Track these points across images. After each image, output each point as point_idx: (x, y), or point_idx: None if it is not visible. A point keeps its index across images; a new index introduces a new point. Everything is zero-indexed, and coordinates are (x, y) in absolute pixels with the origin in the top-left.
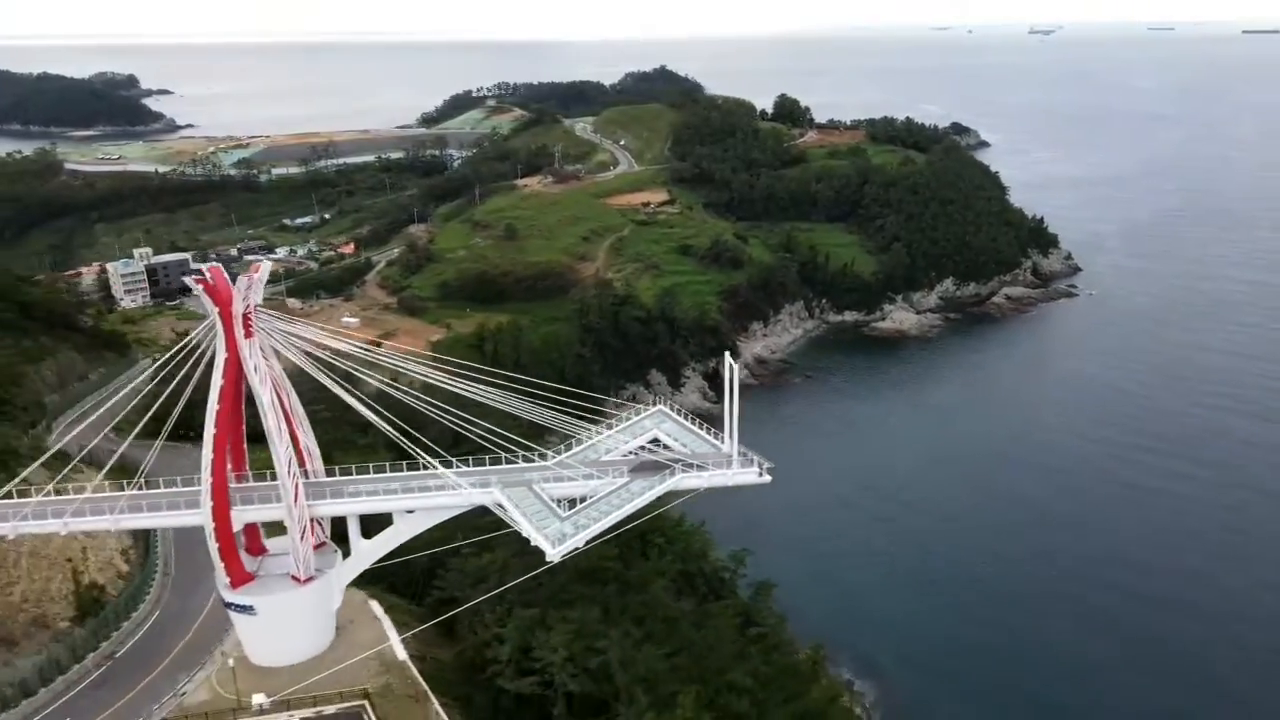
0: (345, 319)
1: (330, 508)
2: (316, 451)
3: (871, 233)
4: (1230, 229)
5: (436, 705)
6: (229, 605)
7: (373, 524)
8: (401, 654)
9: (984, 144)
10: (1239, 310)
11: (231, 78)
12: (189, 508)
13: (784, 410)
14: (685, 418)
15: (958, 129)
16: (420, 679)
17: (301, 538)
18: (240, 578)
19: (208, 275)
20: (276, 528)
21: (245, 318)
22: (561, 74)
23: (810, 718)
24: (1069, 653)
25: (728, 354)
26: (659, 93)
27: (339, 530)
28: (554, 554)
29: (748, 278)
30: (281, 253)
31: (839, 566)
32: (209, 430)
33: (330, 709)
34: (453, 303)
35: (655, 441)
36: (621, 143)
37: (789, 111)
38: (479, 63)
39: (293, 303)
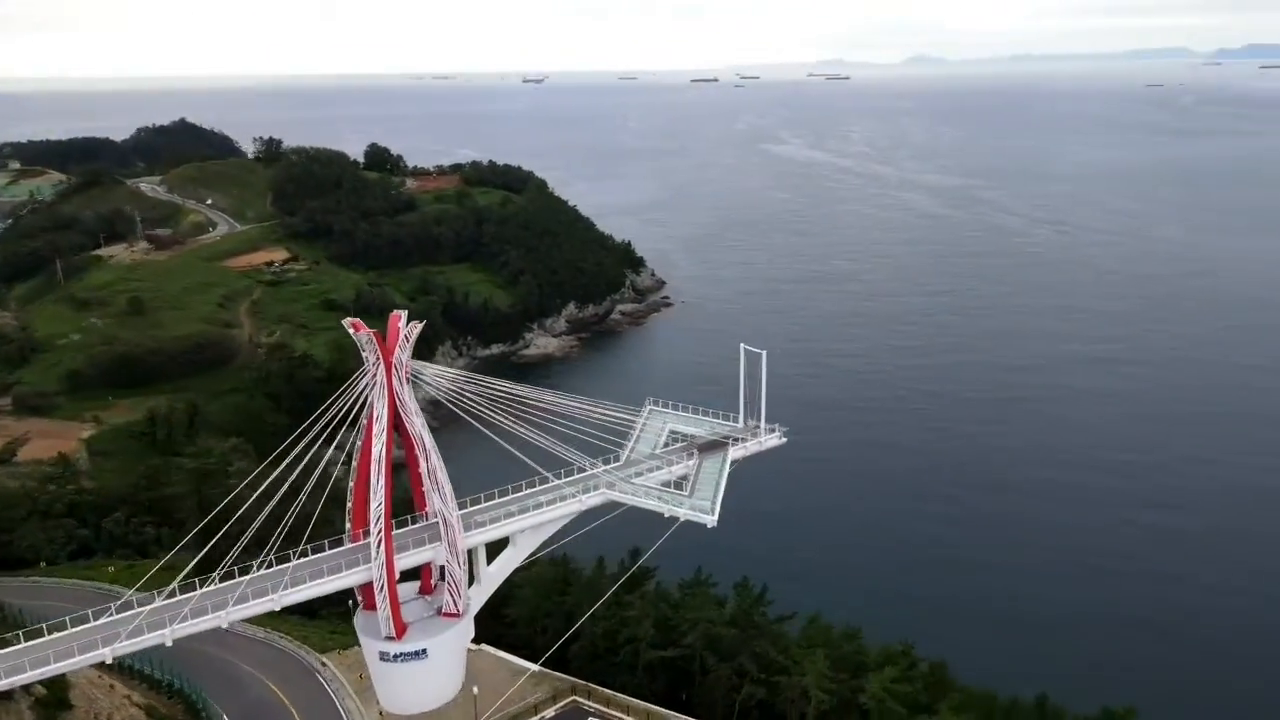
0: None
1: (478, 537)
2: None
3: (497, 268)
4: (755, 238)
5: (606, 691)
6: (395, 658)
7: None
8: (535, 667)
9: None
10: (789, 302)
11: None
12: (349, 568)
13: (477, 443)
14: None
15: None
16: (569, 677)
17: (461, 569)
18: (402, 627)
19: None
20: None
21: (406, 365)
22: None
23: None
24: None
25: (743, 346)
26: (189, 147)
27: None
28: (712, 520)
29: None
30: None
31: None
32: (377, 478)
33: (550, 712)
34: (89, 393)
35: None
36: (209, 202)
37: (380, 160)
38: None
39: None
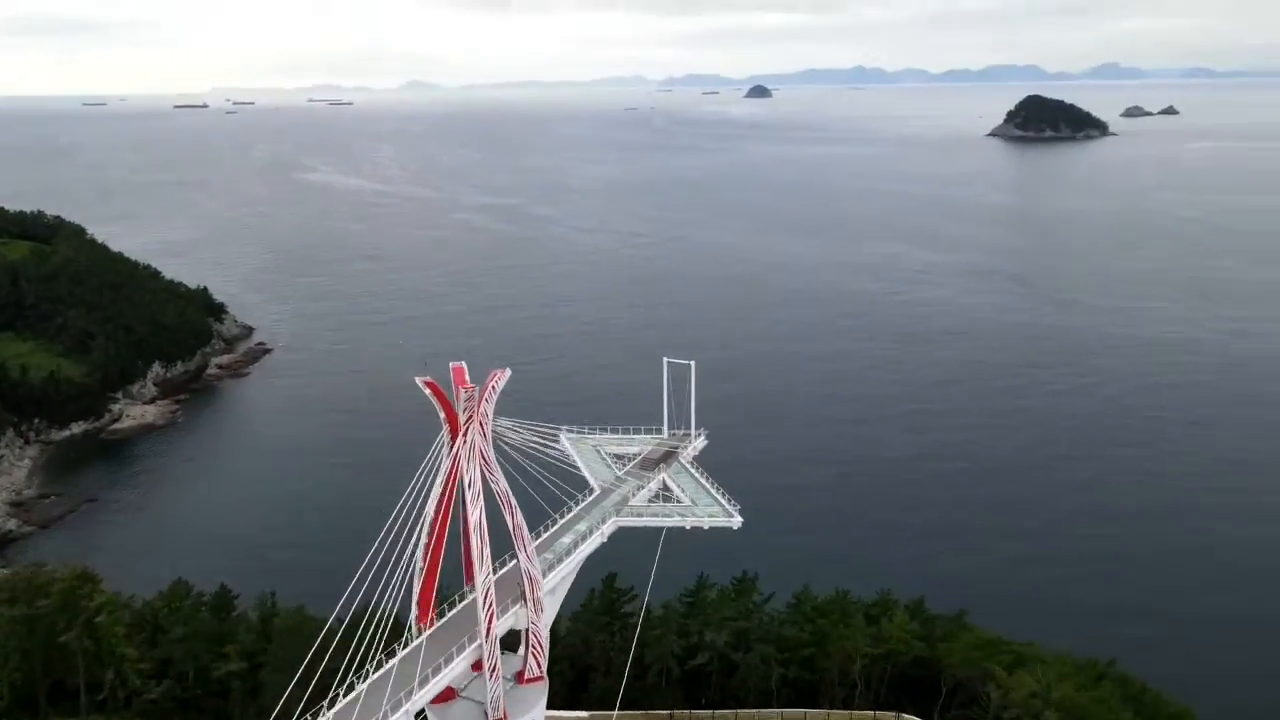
0: None
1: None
2: None
3: (54, 334)
4: (327, 269)
5: (700, 712)
6: None
7: None
8: (615, 713)
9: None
10: (393, 332)
11: None
12: (460, 651)
13: (104, 537)
14: None
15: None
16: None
17: (545, 629)
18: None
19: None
20: None
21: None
22: None
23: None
24: None
25: (666, 359)
26: None
27: None
28: (737, 522)
29: None
30: None
31: None
32: (479, 538)
33: None
34: None
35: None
36: None
37: None
38: None
39: None
